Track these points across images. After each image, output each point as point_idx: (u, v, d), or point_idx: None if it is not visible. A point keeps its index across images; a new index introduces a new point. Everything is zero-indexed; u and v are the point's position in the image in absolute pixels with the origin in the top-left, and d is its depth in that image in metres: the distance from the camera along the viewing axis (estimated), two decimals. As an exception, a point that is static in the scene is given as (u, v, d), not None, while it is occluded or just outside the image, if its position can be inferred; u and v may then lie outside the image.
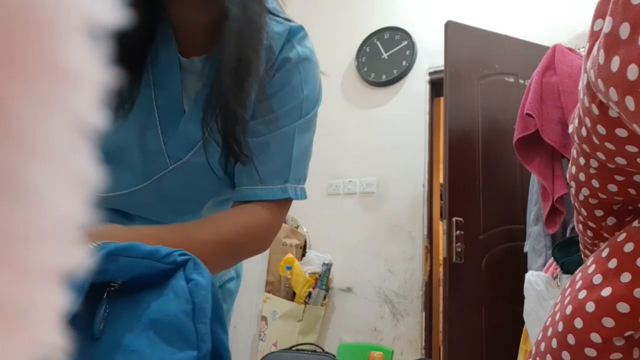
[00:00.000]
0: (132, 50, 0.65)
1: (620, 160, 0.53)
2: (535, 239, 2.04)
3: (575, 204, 0.70)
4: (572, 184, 0.66)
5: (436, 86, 3.17)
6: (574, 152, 0.64)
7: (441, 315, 2.64)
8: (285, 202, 0.75)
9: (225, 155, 0.69)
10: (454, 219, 2.34)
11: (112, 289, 0.39)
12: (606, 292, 0.54)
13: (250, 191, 0.71)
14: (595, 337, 0.54)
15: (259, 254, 0.73)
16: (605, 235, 0.67)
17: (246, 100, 0.68)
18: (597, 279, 0.56)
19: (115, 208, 0.77)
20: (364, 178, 3.16)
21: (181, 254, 0.42)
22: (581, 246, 0.77)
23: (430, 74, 3.19)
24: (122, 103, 0.66)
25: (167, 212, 0.78)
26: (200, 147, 0.71)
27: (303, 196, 0.76)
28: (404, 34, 3.31)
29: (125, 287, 0.40)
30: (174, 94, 0.71)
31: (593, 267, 0.59)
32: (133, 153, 0.71)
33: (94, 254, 0.37)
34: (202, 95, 0.70)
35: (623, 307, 0.52)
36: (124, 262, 0.39)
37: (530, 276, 1.65)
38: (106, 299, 0.39)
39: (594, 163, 0.59)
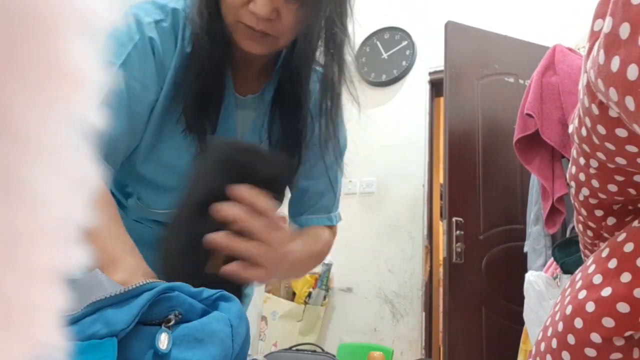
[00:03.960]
0: (213, 88, 0.75)
1: (620, 160, 0.53)
2: (535, 239, 2.04)
3: (575, 204, 0.70)
4: (572, 184, 0.66)
5: (436, 86, 3.17)
6: (574, 152, 0.64)
7: (441, 315, 2.64)
8: (333, 228, 0.93)
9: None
10: (454, 219, 2.34)
11: (173, 318, 0.45)
12: (606, 292, 0.54)
13: (305, 220, 0.88)
14: (595, 337, 0.54)
15: None
16: (605, 235, 0.67)
17: (303, 127, 0.80)
18: (597, 279, 0.56)
19: (161, 220, 0.83)
20: (364, 178, 3.16)
21: (218, 297, 0.48)
22: (581, 246, 0.77)
23: (430, 74, 3.19)
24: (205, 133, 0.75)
25: None
26: None
27: (339, 220, 0.94)
28: (404, 34, 3.31)
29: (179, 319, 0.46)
30: (229, 128, 0.80)
31: (593, 267, 0.59)
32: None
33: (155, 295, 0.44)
34: (255, 127, 0.82)
35: (623, 307, 0.52)
36: (180, 299, 0.45)
37: (530, 276, 1.65)
38: (164, 328, 0.44)
39: (594, 163, 0.59)
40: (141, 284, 0.45)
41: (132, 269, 0.57)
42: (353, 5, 0.76)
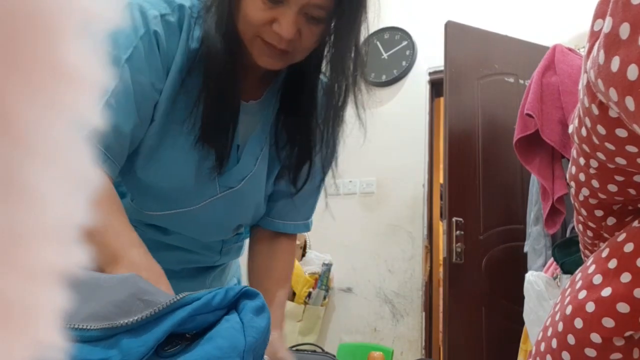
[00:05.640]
0: (230, 102, 0.75)
1: (620, 161, 0.53)
2: (535, 239, 2.04)
3: (575, 204, 0.70)
4: (572, 184, 0.66)
5: (436, 86, 3.17)
6: (574, 152, 0.64)
7: (441, 315, 2.65)
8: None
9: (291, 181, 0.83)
10: (454, 219, 2.34)
11: (187, 336, 0.46)
12: (606, 292, 0.54)
13: (282, 224, 0.88)
14: (595, 337, 0.54)
15: None
16: (605, 235, 0.67)
17: (311, 134, 0.81)
18: (597, 279, 0.56)
19: (153, 223, 0.82)
20: (364, 178, 3.16)
21: (242, 295, 0.48)
22: (581, 246, 0.77)
23: (430, 74, 3.19)
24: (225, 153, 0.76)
25: (203, 231, 0.85)
26: (251, 177, 0.81)
27: (310, 228, 0.94)
28: (404, 34, 3.31)
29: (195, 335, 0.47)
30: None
31: (593, 267, 0.59)
32: (189, 179, 0.77)
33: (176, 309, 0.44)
34: (260, 132, 0.82)
35: (623, 307, 0.52)
36: (200, 319, 0.46)
37: (530, 276, 1.65)
38: (183, 345, 0.45)
39: (594, 163, 0.59)
40: (160, 309, 0.44)
41: (134, 266, 0.57)
42: (368, 21, 0.77)
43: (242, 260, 0.99)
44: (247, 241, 1.03)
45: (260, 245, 0.88)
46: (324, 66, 0.79)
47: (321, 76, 0.82)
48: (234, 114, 0.75)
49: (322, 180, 0.88)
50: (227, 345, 0.43)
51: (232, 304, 0.47)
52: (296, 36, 0.67)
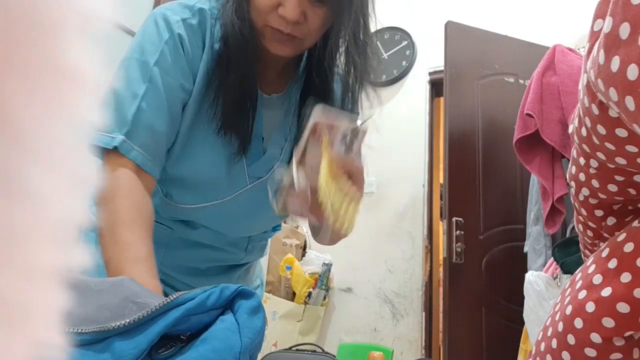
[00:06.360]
0: (249, 91, 0.77)
1: (620, 160, 0.53)
2: (535, 239, 2.04)
3: (575, 204, 0.70)
4: (572, 184, 0.67)
5: (436, 86, 3.17)
6: (574, 152, 0.64)
7: (441, 315, 2.65)
8: None
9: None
10: (454, 219, 2.34)
11: (183, 337, 0.46)
12: (606, 292, 0.54)
13: None
14: (595, 337, 0.54)
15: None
16: (605, 235, 0.67)
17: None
18: (597, 279, 0.56)
19: (185, 219, 0.84)
20: (364, 178, 3.16)
21: (237, 295, 0.48)
22: (581, 246, 0.77)
23: (430, 74, 3.19)
24: (245, 143, 0.78)
25: (233, 225, 0.86)
26: (278, 167, 0.83)
27: None
28: (404, 34, 3.31)
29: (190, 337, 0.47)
30: (256, 127, 0.81)
31: (593, 267, 0.59)
32: (221, 173, 0.79)
33: (171, 310, 0.44)
34: (282, 126, 0.84)
35: (623, 307, 0.52)
36: (194, 320, 0.45)
37: (530, 276, 1.65)
38: (178, 347, 0.44)
39: (594, 163, 0.59)
40: (152, 310, 0.44)
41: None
42: (375, 8, 0.78)
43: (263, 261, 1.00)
44: (270, 240, 1.05)
45: None
46: (338, 58, 0.81)
47: (337, 68, 0.84)
48: (252, 99, 0.78)
49: None
50: (223, 346, 0.43)
51: (228, 304, 0.47)
52: (301, 19, 0.69)
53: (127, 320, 0.43)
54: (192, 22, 0.75)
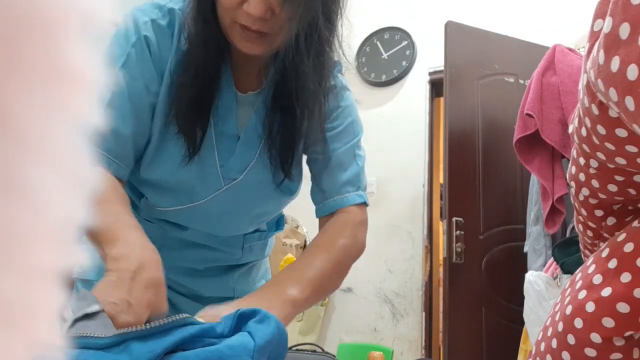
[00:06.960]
0: (206, 93, 0.76)
1: (620, 160, 0.53)
2: (535, 239, 2.04)
3: (575, 204, 0.70)
4: (572, 184, 0.66)
5: (436, 86, 3.17)
6: (574, 152, 0.64)
7: (441, 315, 2.64)
8: (363, 206, 0.93)
9: (279, 171, 0.82)
10: (454, 219, 2.34)
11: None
12: (606, 292, 0.54)
13: (333, 202, 0.88)
14: (595, 337, 0.54)
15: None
16: (605, 235, 0.67)
17: (303, 123, 0.80)
18: (597, 279, 0.56)
19: (169, 220, 0.84)
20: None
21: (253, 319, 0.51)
22: (581, 246, 0.77)
23: (430, 74, 3.19)
24: (196, 142, 0.76)
25: (217, 225, 0.86)
26: (253, 167, 0.81)
27: (368, 201, 0.94)
28: (404, 34, 3.31)
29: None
30: (230, 125, 0.80)
31: (593, 267, 0.59)
32: (192, 175, 0.78)
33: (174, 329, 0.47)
34: (257, 122, 0.81)
35: (623, 307, 0.52)
36: (205, 342, 0.48)
37: (530, 276, 1.65)
38: None
39: (594, 163, 0.59)
40: (171, 321, 0.47)
41: (129, 244, 0.59)
42: (345, 4, 0.76)
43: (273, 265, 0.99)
44: (271, 240, 1.03)
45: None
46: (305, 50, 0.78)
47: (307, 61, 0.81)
48: (210, 99, 0.76)
49: (337, 148, 0.87)
50: (238, 344, 0.45)
51: (236, 328, 0.50)
52: (268, 14, 0.67)
53: (147, 326, 0.47)
54: (161, 23, 0.75)
